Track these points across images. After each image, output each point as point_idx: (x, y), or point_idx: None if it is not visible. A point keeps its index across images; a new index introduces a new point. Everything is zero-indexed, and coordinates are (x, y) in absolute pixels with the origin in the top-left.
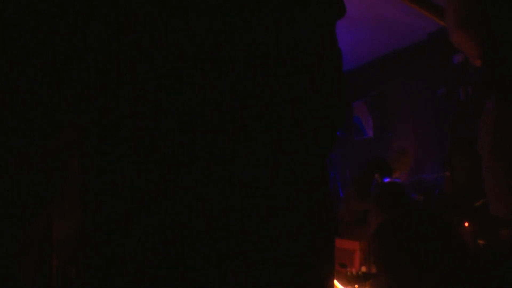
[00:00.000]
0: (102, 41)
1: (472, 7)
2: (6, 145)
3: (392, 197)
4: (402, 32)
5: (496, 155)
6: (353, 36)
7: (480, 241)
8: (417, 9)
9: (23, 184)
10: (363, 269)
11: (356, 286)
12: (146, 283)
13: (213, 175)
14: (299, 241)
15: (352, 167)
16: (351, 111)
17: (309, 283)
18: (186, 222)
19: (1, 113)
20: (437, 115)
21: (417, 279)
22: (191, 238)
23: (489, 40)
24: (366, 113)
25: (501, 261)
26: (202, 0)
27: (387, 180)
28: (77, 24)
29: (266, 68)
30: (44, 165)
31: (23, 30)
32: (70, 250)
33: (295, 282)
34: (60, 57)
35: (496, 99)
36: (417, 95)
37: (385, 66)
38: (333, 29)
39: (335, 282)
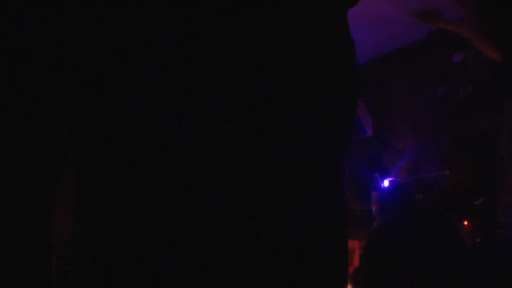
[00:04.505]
0: (99, 38)
1: (489, 14)
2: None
3: (396, 197)
4: (402, 31)
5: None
6: (353, 34)
7: (479, 240)
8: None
9: (17, 180)
10: None
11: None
12: (146, 283)
13: (216, 173)
14: (313, 239)
15: (351, 166)
16: None
17: (322, 282)
18: (188, 221)
19: None
20: (436, 114)
21: (416, 278)
22: (192, 237)
23: (508, 43)
24: (365, 112)
25: (498, 260)
26: None
27: (390, 180)
28: (74, 21)
29: (274, 61)
30: (38, 162)
31: (20, 27)
32: (70, 250)
33: (308, 280)
34: (56, 53)
35: None
36: (417, 94)
37: (385, 65)
38: (344, 18)
39: None
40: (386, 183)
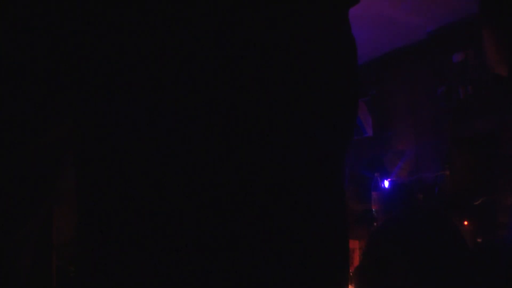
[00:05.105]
0: (99, 39)
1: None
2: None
3: (400, 198)
4: (402, 31)
5: None
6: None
7: (479, 240)
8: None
9: (17, 181)
10: None
11: None
12: (146, 282)
13: (217, 175)
14: (315, 239)
15: (351, 166)
16: None
17: (324, 281)
18: (188, 221)
19: None
20: (436, 114)
21: (417, 278)
22: (193, 237)
23: None
24: (365, 112)
25: (499, 260)
26: None
27: (393, 181)
28: (74, 22)
29: (275, 61)
30: (38, 162)
31: (20, 27)
32: (70, 250)
33: (310, 279)
34: (56, 54)
35: None
36: (417, 94)
37: (385, 65)
38: (346, 17)
39: None
40: (386, 183)
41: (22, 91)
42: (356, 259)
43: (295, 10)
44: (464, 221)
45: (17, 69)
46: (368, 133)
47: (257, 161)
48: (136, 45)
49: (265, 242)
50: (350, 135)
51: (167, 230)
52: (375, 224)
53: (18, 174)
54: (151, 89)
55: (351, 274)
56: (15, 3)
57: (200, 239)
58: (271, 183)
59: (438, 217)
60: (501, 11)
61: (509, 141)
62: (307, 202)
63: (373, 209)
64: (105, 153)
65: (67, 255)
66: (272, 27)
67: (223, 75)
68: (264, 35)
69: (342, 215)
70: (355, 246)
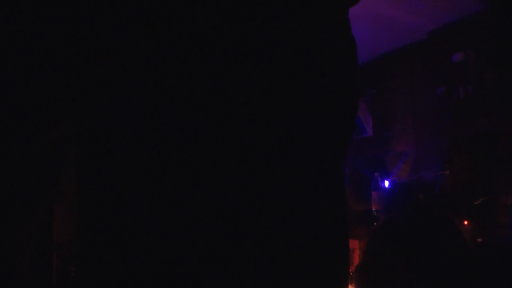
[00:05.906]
0: (100, 38)
1: None
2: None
3: (400, 198)
4: (402, 31)
5: None
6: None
7: (479, 240)
8: None
9: (17, 181)
10: None
11: None
12: (146, 282)
13: (217, 175)
14: (315, 243)
15: (351, 166)
16: None
17: (324, 281)
18: (188, 221)
19: None
20: (436, 114)
21: (417, 277)
22: (193, 237)
23: None
24: (365, 112)
25: (499, 260)
26: None
27: (394, 181)
28: (75, 22)
29: (275, 61)
30: (38, 162)
31: (20, 26)
32: (70, 250)
33: (310, 279)
34: (57, 53)
35: None
36: (417, 94)
37: (385, 65)
38: (346, 17)
39: None
40: (386, 183)
41: (22, 90)
42: (356, 259)
43: (294, 10)
44: (464, 221)
45: (18, 69)
46: (368, 133)
47: (257, 161)
48: (137, 45)
49: (265, 242)
50: (350, 135)
51: (168, 230)
52: (375, 224)
53: (18, 174)
54: (151, 89)
55: (351, 273)
56: (15, 3)
57: (201, 238)
58: (270, 183)
59: (438, 217)
60: None
61: (509, 141)
62: (307, 202)
63: (373, 209)
64: (106, 152)
65: (67, 255)
66: (271, 27)
67: (223, 75)
68: (263, 35)
69: (342, 215)
70: (355, 246)
